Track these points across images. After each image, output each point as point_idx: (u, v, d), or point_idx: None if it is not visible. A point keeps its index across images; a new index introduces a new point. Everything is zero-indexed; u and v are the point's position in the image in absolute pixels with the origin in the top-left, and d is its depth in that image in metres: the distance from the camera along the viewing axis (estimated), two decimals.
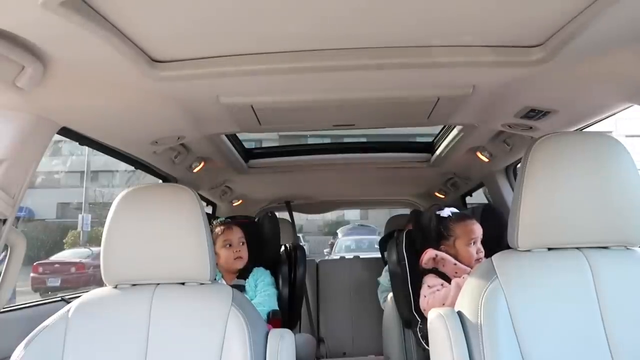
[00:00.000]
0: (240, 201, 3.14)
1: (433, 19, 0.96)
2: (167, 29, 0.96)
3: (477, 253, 1.76)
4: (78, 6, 0.82)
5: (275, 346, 1.14)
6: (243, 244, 1.97)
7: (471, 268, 1.71)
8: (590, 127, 1.56)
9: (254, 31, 0.99)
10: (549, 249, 1.13)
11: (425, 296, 1.72)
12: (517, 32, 1.02)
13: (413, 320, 1.79)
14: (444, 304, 1.62)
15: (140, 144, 1.68)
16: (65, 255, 12.10)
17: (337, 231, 14.72)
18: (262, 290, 1.92)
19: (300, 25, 0.97)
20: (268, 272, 2.00)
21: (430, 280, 1.75)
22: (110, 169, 16.94)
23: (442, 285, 1.71)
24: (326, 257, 8.02)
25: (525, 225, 1.11)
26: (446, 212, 1.87)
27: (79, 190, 17.08)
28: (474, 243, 1.76)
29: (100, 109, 1.32)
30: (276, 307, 1.90)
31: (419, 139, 2.57)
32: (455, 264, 1.72)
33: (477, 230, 1.78)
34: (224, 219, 2.11)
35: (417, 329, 1.77)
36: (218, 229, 1.97)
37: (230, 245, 1.93)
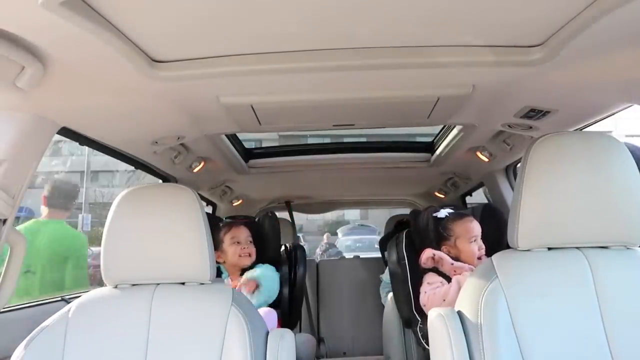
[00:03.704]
0: (240, 201, 3.14)
1: (433, 18, 0.96)
2: (167, 29, 0.96)
3: (478, 250, 1.76)
4: (78, 6, 0.82)
5: (275, 346, 1.14)
6: (251, 242, 1.99)
7: (473, 265, 1.72)
8: (590, 127, 1.56)
9: (254, 31, 0.99)
10: (549, 248, 1.13)
11: (425, 292, 1.72)
12: (517, 32, 1.02)
13: (413, 319, 1.79)
14: (444, 300, 1.62)
15: (140, 144, 1.68)
16: None
17: (337, 231, 14.67)
18: (267, 276, 1.93)
19: (300, 25, 0.97)
20: (272, 267, 2.01)
21: (430, 278, 1.75)
22: (110, 169, 16.93)
23: (441, 282, 1.71)
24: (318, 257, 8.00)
25: (525, 225, 1.11)
26: (443, 213, 1.87)
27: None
28: (474, 240, 1.76)
29: (100, 109, 1.31)
30: (275, 295, 1.93)
31: (419, 139, 2.56)
32: (452, 264, 1.72)
33: (476, 227, 1.79)
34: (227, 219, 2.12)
35: (417, 329, 1.77)
36: (225, 228, 1.99)
37: (238, 242, 1.95)
